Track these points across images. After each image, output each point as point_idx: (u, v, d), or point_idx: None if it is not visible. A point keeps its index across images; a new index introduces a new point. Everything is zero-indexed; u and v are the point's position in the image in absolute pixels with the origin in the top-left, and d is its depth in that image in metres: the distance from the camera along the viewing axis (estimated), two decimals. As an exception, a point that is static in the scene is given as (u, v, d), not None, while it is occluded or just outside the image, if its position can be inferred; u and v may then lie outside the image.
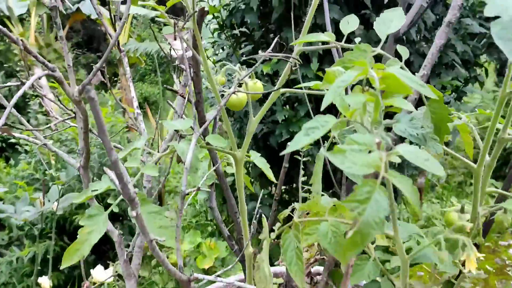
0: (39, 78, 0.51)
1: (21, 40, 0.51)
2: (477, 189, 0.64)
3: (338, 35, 0.66)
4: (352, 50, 0.63)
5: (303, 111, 1.91)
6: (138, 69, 8.31)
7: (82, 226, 0.63)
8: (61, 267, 0.58)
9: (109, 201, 0.61)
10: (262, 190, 2.26)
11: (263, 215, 0.69)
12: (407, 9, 1.04)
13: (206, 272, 2.23)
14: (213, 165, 0.92)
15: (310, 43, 0.74)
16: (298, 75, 1.76)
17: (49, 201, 1.63)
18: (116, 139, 3.61)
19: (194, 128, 0.68)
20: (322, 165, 0.67)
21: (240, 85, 0.75)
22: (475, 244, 0.69)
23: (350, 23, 0.67)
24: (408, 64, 1.97)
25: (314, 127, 0.43)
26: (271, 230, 0.68)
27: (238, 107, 0.77)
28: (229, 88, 0.87)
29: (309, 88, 0.80)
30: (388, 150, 0.43)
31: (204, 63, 0.70)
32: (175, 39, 0.63)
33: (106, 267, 1.96)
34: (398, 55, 0.64)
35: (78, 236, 0.64)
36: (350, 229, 0.34)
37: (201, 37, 0.74)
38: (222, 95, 0.79)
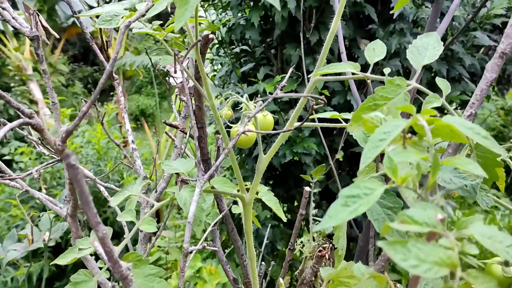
0: (12, 130, 0.42)
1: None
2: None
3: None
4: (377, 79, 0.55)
5: (307, 131, 1.82)
6: (135, 81, 8.23)
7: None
8: None
9: (99, 264, 0.51)
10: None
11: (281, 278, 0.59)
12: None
13: (207, 299, 2.12)
14: (217, 205, 0.82)
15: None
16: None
17: (40, 231, 1.53)
18: (112, 155, 3.51)
19: (199, 174, 0.58)
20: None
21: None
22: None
23: (376, 50, 0.58)
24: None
25: (355, 196, 0.34)
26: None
27: (246, 145, 0.68)
28: (234, 116, 0.78)
29: (324, 120, 0.71)
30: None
31: (209, 97, 0.61)
32: (175, 72, 0.54)
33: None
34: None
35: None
36: None
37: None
38: (228, 130, 0.70)
